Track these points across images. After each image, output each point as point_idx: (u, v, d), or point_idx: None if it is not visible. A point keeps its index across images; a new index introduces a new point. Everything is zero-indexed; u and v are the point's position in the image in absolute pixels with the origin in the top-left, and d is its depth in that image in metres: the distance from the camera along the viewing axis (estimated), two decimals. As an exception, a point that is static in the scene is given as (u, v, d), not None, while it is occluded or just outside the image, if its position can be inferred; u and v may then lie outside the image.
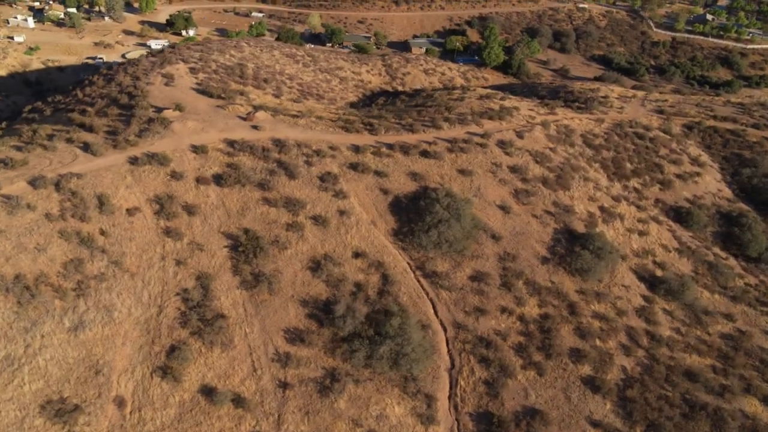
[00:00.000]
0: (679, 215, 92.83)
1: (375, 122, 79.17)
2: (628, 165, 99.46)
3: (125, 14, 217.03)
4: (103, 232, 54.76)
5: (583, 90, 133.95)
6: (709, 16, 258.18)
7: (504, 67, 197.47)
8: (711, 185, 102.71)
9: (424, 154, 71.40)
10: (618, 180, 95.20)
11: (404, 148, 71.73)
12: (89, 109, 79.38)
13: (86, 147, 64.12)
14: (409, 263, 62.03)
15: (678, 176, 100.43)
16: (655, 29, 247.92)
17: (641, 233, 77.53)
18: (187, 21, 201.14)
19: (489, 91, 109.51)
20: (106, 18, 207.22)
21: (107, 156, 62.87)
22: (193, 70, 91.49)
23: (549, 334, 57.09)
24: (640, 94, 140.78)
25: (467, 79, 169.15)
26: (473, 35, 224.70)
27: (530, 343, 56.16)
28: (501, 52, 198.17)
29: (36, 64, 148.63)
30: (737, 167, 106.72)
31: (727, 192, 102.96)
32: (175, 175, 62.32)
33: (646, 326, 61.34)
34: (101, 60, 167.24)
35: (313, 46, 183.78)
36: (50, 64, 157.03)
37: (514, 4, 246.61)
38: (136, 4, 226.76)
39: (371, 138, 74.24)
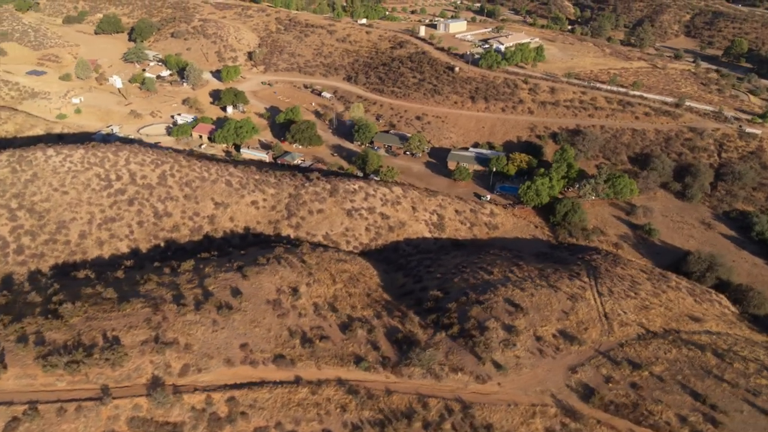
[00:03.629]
0: None
1: None
2: None
3: (212, 80, 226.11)
4: None
5: (486, 308, 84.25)
6: None
7: (552, 209, 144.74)
8: None
9: None
10: None
11: None
12: None
13: None
14: None
15: None
16: None
17: None
18: (236, 96, 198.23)
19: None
20: (185, 84, 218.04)
21: None
22: None
23: None
24: (613, 339, 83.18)
25: (441, 227, 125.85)
26: (550, 153, 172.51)
27: None
28: (553, 188, 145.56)
29: (37, 130, 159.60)
30: None
31: None
32: None
33: None
34: (111, 130, 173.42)
35: (199, 160, 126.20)
36: (65, 130, 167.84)
37: (637, 117, 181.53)
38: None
39: None
